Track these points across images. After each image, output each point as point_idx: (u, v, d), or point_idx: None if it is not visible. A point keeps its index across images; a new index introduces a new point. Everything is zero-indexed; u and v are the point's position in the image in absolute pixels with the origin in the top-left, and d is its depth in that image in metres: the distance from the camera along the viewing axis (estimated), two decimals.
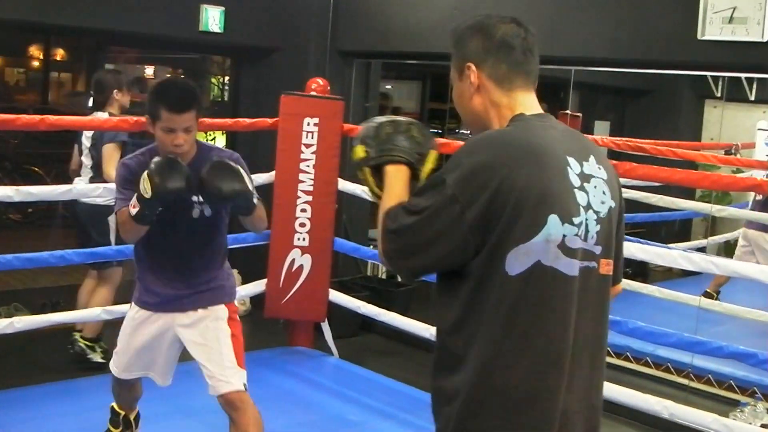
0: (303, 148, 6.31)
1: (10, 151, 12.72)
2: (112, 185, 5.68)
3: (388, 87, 11.21)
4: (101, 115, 5.99)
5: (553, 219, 2.11)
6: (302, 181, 6.33)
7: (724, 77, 8.74)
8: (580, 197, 2.18)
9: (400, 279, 8.05)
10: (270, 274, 6.45)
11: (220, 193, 3.66)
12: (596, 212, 2.21)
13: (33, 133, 10.53)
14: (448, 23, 6.65)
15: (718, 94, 9.30)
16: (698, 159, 7.41)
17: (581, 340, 2.19)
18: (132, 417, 4.70)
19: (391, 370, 6.36)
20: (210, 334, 4.02)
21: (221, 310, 4.05)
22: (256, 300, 7.06)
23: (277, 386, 5.98)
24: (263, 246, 6.48)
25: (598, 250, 2.21)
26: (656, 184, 7.29)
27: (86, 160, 6.10)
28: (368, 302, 6.44)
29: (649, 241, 6.61)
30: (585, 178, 2.21)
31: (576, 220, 2.15)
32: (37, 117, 5.24)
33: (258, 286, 6.54)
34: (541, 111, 2.34)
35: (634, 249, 5.12)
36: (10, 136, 12.60)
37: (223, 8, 7.18)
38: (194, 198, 3.86)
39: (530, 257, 2.10)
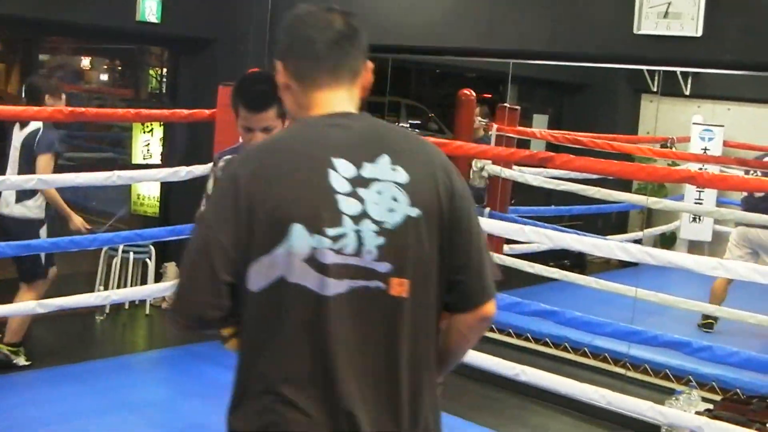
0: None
1: None
2: (44, 177, 5.59)
3: None
4: (34, 123, 5.85)
5: (297, 229, 1.88)
6: None
7: (659, 72, 8.88)
8: (347, 205, 1.91)
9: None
10: None
11: None
12: (378, 222, 1.92)
13: None
14: (386, 16, 6.68)
15: (654, 89, 9.44)
16: (635, 152, 7.48)
17: (357, 369, 1.92)
18: None
19: None
20: None
21: None
22: None
23: (216, 379, 5.92)
24: None
25: (382, 267, 1.92)
26: (593, 176, 7.38)
27: (12, 170, 5.91)
28: None
29: (586, 233, 6.69)
30: (361, 182, 1.93)
31: (331, 231, 1.89)
32: None
33: None
34: (346, 109, 2.08)
35: (571, 240, 5.18)
36: None
37: None
38: None
39: (273, 271, 1.90)
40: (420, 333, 2.00)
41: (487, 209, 7.72)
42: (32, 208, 5.84)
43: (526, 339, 7.01)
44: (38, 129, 5.84)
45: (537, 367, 5.20)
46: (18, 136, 5.91)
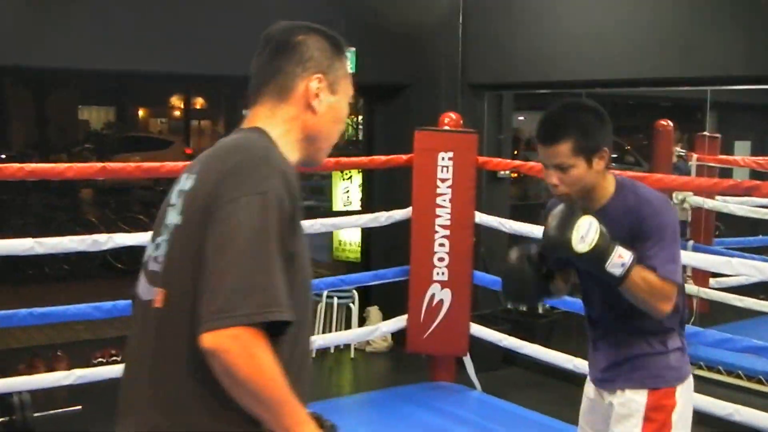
0: (438, 182, 6.34)
1: (156, 197, 13.13)
2: None
3: (521, 118, 11.18)
4: None
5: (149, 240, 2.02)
6: (439, 216, 6.35)
7: None
8: (169, 215, 1.95)
9: (541, 310, 7.98)
10: (411, 310, 6.48)
11: (547, 245, 3.00)
12: (170, 232, 1.94)
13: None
14: (577, 51, 6.65)
15: None
16: None
17: (131, 375, 1.97)
18: None
19: (535, 402, 6.29)
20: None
21: (637, 402, 3.06)
22: (398, 336, 7.09)
23: (423, 421, 5.99)
24: (403, 281, 6.52)
25: (158, 277, 1.92)
26: None
27: None
28: (509, 335, 6.39)
29: None
30: (179, 194, 1.96)
31: (158, 240, 1.96)
32: (180, 164, 5.39)
33: (399, 322, 6.58)
34: (253, 125, 2.03)
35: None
36: (156, 183, 13.06)
37: (354, 49, 7.30)
38: None
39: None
40: (166, 350, 1.87)
41: (691, 242, 7.52)
42: None
43: (738, 376, 6.74)
44: None
45: (751, 406, 4.99)
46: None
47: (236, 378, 1.73)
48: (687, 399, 3.09)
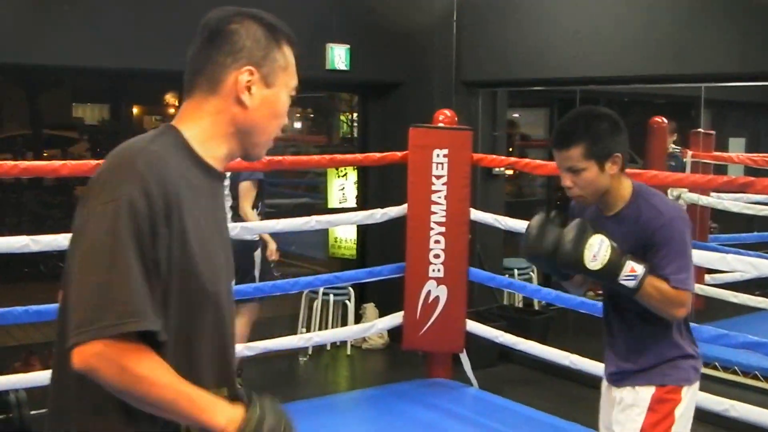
0: (434, 179, 6.34)
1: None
2: (247, 224, 5.89)
3: (516, 115, 11.18)
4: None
5: None
6: (434, 213, 6.35)
7: None
8: None
9: (537, 307, 8.00)
10: (407, 307, 6.48)
11: (531, 251, 3.17)
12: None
13: None
14: (571, 48, 6.66)
15: None
16: None
17: None
18: None
19: (531, 399, 6.30)
20: (621, 421, 3.24)
21: (644, 395, 3.19)
22: (394, 332, 7.10)
23: (419, 418, 6.00)
24: (399, 278, 6.53)
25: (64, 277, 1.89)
26: None
27: (226, 201, 6.28)
28: (506, 331, 6.40)
29: None
30: None
31: None
32: None
33: (395, 319, 6.58)
34: (177, 121, 1.97)
35: None
36: None
37: (348, 46, 7.31)
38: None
39: None
40: (59, 352, 1.85)
41: None
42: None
43: (734, 372, 6.75)
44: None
45: (747, 401, 5.00)
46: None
47: (115, 389, 1.74)
48: (691, 400, 3.21)
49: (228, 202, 6.25)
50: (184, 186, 1.84)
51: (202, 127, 1.95)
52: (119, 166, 1.80)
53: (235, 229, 5.82)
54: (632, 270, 2.98)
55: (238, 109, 1.95)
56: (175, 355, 1.82)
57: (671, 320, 3.10)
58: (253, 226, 5.93)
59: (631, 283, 2.98)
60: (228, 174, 6.21)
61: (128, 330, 1.70)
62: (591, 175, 3.06)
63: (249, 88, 1.95)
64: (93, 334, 1.69)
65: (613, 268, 2.98)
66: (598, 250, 2.98)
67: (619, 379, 3.26)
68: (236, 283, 6.10)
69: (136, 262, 1.73)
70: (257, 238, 6.23)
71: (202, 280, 1.87)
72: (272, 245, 6.36)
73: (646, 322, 3.14)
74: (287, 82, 2.03)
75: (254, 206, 6.20)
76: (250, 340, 6.06)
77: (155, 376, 1.74)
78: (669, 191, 7.51)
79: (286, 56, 2.02)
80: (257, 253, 6.22)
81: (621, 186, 3.14)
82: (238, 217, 6.11)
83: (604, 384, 3.39)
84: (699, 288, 7.47)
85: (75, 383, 1.82)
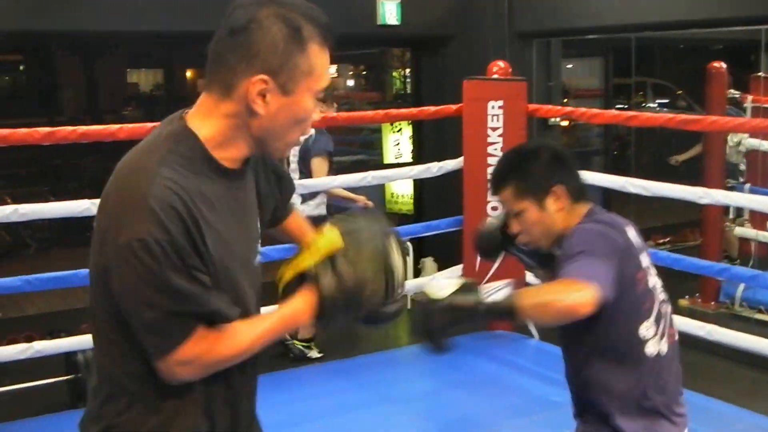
0: (489, 131, 6.31)
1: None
2: (304, 181, 5.91)
3: (569, 66, 11.07)
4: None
5: None
6: (491, 165, 6.30)
7: None
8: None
9: None
10: (466, 260, 6.47)
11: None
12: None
13: None
14: None
15: None
16: None
17: None
18: None
19: None
20: None
21: None
22: None
23: (480, 371, 6.01)
24: (457, 232, 6.52)
25: None
26: None
27: (294, 174, 6.32)
28: None
29: None
30: None
31: None
32: None
33: (454, 272, 6.58)
34: (193, 117, 1.91)
35: None
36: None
37: (398, 1, 7.26)
38: None
39: None
40: (96, 348, 1.97)
41: (747, 185, 7.42)
42: (314, 207, 6.20)
43: None
44: (312, 134, 6.17)
45: None
46: None
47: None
48: None
49: (295, 176, 6.27)
50: (200, 203, 1.82)
51: (218, 130, 1.87)
52: (131, 201, 1.77)
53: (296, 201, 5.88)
54: (491, 287, 2.39)
55: (251, 116, 1.85)
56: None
57: (574, 319, 2.33)
58: (309, 184, 5.95)
59: (498, 296, 2.35)
60: (297, 148, 6.24)
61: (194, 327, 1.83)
62: (532, 215, 2.71)
63: (264, 96, 1.83)
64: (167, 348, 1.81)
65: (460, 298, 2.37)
66: (442, 288, 2.39)
67: None
68: None
69: (182, 282, 1.78)
70: (324, 213, 6.27)
71: (230, 273, 1.92)
72: (359, 198, 6.42)
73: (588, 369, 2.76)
74: (311, 86, 1.89)
75: None
76: None
77: (234, 345, 1.90)
78: (729, 137, 7.40)
79: (311, 59, 1.87)
80: None
81: (575, 218, 2.69)
82: (309, 192, 6.14)
83: None
84: (762, 235, 7.39)
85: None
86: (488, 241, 3.05)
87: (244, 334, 1.90)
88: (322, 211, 6.27)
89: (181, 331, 1.80)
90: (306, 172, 6.19)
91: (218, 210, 1.87)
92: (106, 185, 1.87)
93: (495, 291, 2.35)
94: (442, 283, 2.38)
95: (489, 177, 2.92)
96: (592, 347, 2.69)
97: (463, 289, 2.37)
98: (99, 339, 1.94)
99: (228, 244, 1.89)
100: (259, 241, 2.12)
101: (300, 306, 1.95)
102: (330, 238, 1.95)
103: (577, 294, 2.28)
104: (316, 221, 6.25)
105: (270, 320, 1.96)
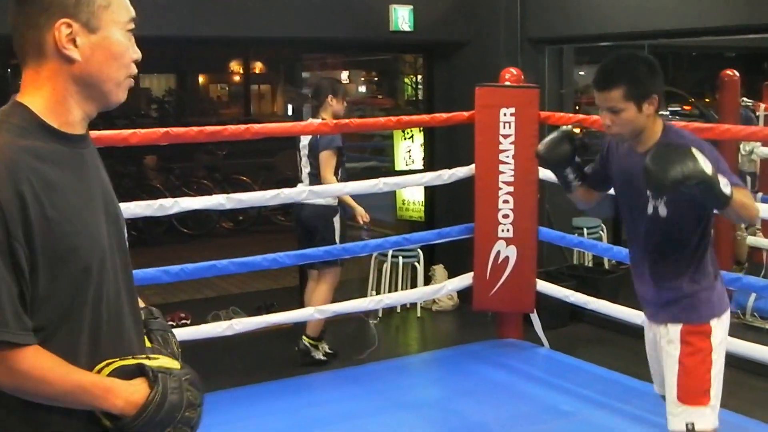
0: (501, 138, 6.29)
1: (219, 162, 13.33)
2: (318, 188, 5.93)
3: (582, 73, 11.05)
4: (314, 121, 6.25)
5: None
6: (502, 172, 6.30)
7: None
8: None
9: (607, 266, 7.92)
10: (476, 267, 6.46)
11: (661, 182, 3.05)
12: None
13: (239, 144, 10.98)
14: (638, 1, 6.53)
15: None
16: None
17: None
18: None
19: (602, 358, 6.26)
20: (663, 358, 3.53)
21: (675, 332, 3.46)
22: (464, 294, 7.09)
23: (490, 379, 6.00)
24: (468, 239, 6.50)
25: None
26: None
27: (305, 168, 6.36)
28: (576, 291, 6.35)
29: None
30: None
31: None
32: (242, 126, 5.45)
33: (465, 280, 6.57)
34: (21, 95, 1.86)
35: None
36: (218, 148, 13.21)
37: (411, 7, 7.26)
38: (648, 193, 3.39)
39: None
40: None
41: (760, 194, 7.39)
42: (326, 197, 6.20)
43: None
44: None
45: None
46: (304, 138, 6.36)
47: (8, 389, 1.76)
48: (723, 328, 3.48)
49: (306, 169, 6.30)
50: (41, 171, 1.76)
51: (45, 96, 1.84)
52: None
53: (303, 194, 5.88)
54: (722, 178, 3.06)
55: (70, 66, 1.83)
56: (69, 337, 1.81)
57: (752, 221, 3.57)
58: (320, 190, 5.95)
59: (727, 190, 3.07)
60: (307, 141, 6.26)
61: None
62: (630, 115, 3.31)
63: (73, 41, 1.81)
64: None
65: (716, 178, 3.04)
66: (704, 163, 3.02)
67: (653, 316, 3.59)
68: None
69: (6, 271, 1.71)
70: (335, 204, 6.26)
71: (78, 255, 1.81)
72: (359, 209, 6.38)
73: (667, 258, 3.45)
74: (115, 18, 1.87)
75: (335, 174, 6.21)
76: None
77: (43, 372, 1.75)
78: (741, 145, 7.37)
79: None
80: (336, 219, 6.27)
81: (655, 125, 3.39)
82: (318, 184, 6.13)
83: (646, 324, 3.70)
84: None
85: None
86: (560, 147, 3.71)
87: (55, 368, 1.77)
88: (333, 202, 6.28)
89: None
90: (316, 166, 6.23)
91: (64, 177, 1.82)
92: None
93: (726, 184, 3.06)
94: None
95: (595, 75, 3.40)
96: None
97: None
98: None
99: (79, 214, 1.83)
100: (123, 221, 2.07)
101: (122, 392, 1.82)
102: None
103: (754, 207, 3.26)
104: (327, 211, 6.32)
105: (85, 377, 1.81)
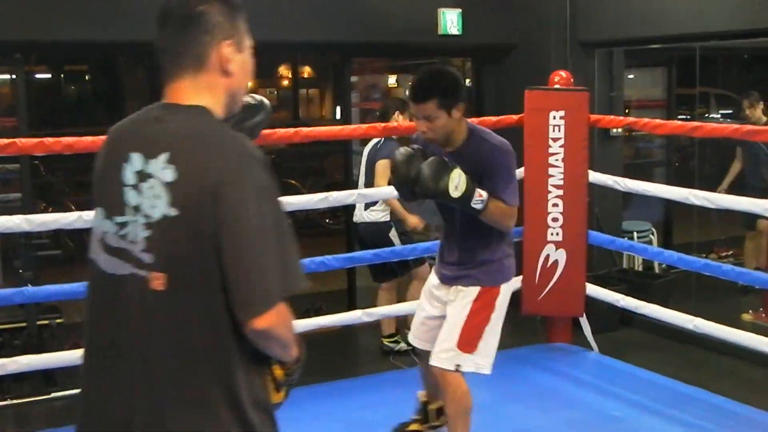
0: (550, 142, 6.26)
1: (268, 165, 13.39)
2: (369, 192, 5.97)
3: (631, 76, 10.96)
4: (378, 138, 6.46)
5: (99, 212, 2.11)
6: (552, 176, 6.27)
7: None
8: (131, 196, 2.04)
9: (658, 270, 7.85)
10: (525, 271, 6.42)
11: (422, 191, 3.96)
12: (146, 216, 2.01)
13: (287, 148, 11.05)
14: (689, 2, 6.46)
15: None
16: None
17: (129, 350, 2.03)
18: (432, 407, 4.86)
19: (652, 363, 6.20)
20: (450, 312, 4.28)
21: (472, 292, 4.23)
22: (513, 297, 7.03)
23: (539, 383, 5.96)
24: (517, 243, 6.46)
25: (147, 258, 2.00)
26: None
27: (361, 178, 6.50)
28: (626, 295, 6.30)
29: None
30: (143, 177, 2.03)
31: (119, 219, 2.06)
32: (292, 130, 5.48)
33: (514, 284, 6.52)
34: (180, 100, 2.10)
35: None
36: (267, 152, 13.29)
37: (460, 10, 7.25)
38: None
39: (92, 245, 2.14)
40: (174, 330, 2.00)
41: None
42: (379, 213, 6.42)
43: None
44: (380, 141, 6.49)
45: None
46: (366, 149, 6.60)
47: (282, 343, 2.04)
48: (506, 294, 4.34)
49: (362, 179, 6.41)
50: None
51: (211, 101, 2.12)
52: (248, 154, 2.02)
53: (351, 197, 5.91)
54: (480, 195, 3.92)
55: (225, 78, 2.13)
56: None
57: (505, 230, 4.18)
58: (369, 193, 5.99)
59: (479, 206, 3.93)
60: (367, 151, 6.51)
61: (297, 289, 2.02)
62: (442, 122, 3.99)
63: (230, 59, 2.12)
64: (277, 300, 1.97)
65: (468, 195, 3.89)
66: (458, 182, 3.86)
67: (452, 279, 4.29)
68: (379, 264, 6.29)
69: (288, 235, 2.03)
70: (389, 219, 6.40)
71: None
72: (410, 219, 6.48)
73: (473, 236, 4.18)
74: (248, 41, 2.20)
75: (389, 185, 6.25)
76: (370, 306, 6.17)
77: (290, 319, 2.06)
78: None
79: (245, 22, 2.19)
80: (393, 234, 6.43)
81: (461, 127, 4.12)
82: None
83: (435, 280, 4.42)
84: None
85: (213, 377, 2.02)
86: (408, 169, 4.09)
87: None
88: (387, 217, 6.34)
89: (290, 283, 2.04)
90: (371, 176, 6.36)
91: None
92: (180, 162, 1.99)
93: (480, 201, 3.93)
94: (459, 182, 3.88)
95: (410, 90, 4.08)
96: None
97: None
98: (203, 340, 2.01)
99: None
100: None
101: None
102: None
103: (513, 220, 4.15)
104: (381, 228, 6.46)
105: None
